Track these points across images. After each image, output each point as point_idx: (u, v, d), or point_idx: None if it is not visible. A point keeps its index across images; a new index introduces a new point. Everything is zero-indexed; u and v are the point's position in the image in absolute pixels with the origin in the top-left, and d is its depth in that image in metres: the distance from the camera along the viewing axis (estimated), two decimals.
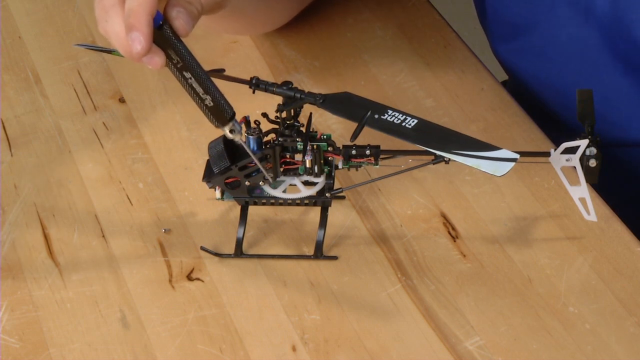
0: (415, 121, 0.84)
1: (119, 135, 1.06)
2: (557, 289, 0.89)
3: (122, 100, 1.09)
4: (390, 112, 0.84)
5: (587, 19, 1.02)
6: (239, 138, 0.84)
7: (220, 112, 0.82)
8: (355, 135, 0.83)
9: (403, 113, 0.84)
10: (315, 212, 0.96)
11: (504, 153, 0.82)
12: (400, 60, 1.11)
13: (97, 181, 1.01)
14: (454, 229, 0.95)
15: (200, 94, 0.81)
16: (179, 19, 0.79)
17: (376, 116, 0.84)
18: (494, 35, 1.12)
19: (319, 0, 1.16)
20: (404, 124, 0.83)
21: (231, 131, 0.83)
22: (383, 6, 1.17)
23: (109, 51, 0.84)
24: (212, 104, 0.82)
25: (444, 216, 0.96)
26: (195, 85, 0.81)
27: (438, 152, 0.83)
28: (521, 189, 0.97)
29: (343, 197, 0.97)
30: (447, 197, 0.97)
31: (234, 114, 0.83)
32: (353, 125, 0.83)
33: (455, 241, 0.94)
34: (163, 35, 0.79)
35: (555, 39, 1.06)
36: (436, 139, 0.83)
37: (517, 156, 0.82)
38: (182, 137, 1.05)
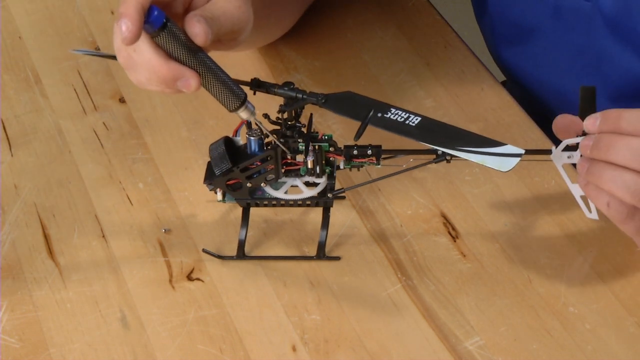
0: (419, 119, 0.84)
1: (119, 135, 1.06)
2: (557, 289, 0.89)
3: (122, 100, 1.09)
4: (393, 110, 0.84)
5: (591, 25, 1.02)
6: (253, 119, 0.85)
7: (234, 97, 0.83)
8: (358, 135, 0.83)
9: (406, 111, 0.84)
10: (315, 213, 0.96)
11: (508, 149, 0.82)
12: (400, 60, 1.11)
13: (97, 181, 1.01)
14: (454, 229, 0.95)
15: (214, 82, 0.82)
16: (199, 25, 0.79)
17: (379, 115, 0.84)
18: (496, 38, 1.12)
19: (319, 1, 1.16)
20: (407, 121, 0.83)
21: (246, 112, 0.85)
22: (383, 6, 1.17)
23: (111, 56, 0.84)
24: (225, 90, 0.83)
25: (444, 216, 0.96)
26: (209, 75, 0.82)
27: (442, 149, 0.83)
28: (521, 189, 0.97)
29: (343, 197, 0.97)
30: (447, 197, 0.97)
31: (245, 96, 0.84)
32: (354, 125, 0.83)
33: (455, 241, 0.94)
34: (170, 33, 0.80)
35: (559, 44, 1.06)
36: (440, 136, 0.83)
37: (522, 151, 0.82)
38: (182, 137, 1.05)
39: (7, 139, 1.06)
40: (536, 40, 1.08)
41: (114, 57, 0.84)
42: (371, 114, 0.84)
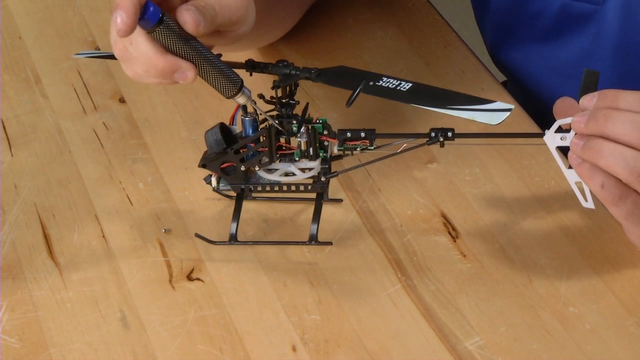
0: (410, 85, 0.84)
1: (119, 135, 1.06)
2: (557, 289, 0.89)
3: (122, 100, 1.10)
4: (385, 78, 0.85)
5: (597, 29, 1.02)
6: (250, 102, 0.85)
7: (231, 84, 0.84)
8: (350, 101, 0.83)
9: (398, 79, 0.84)
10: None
11: (497, 105, 0.82)
12: (400, 60, 1.11)
13: (97, 181, 1.01)
14: (454, 229, 0.95)
15: (212, 72, 0.83)
16: (188, 13, 0.79)
17: (371, 83, 0.84)
18: (498, 40, 1.12)
19: (319, 1, 1.16)
20: (398, 87, 0.84)
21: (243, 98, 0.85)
22: (383, 6, 1.17)
23: (112, 56, 0.84)
24: (222, 79, 0.83)
25: (444, 216, 0.96)
26: (206, 65, 0.82)
27: (433, 109, 0.83)
28: (521, 189, 0.97)
29: (340, 200, 0.97)
30: (447, 197, 0.97)
31: (242, 81, 0.84)
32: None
33: (455, 241, 0.94)
34: (167, 27, 0.79)
35: (564, 48, 1.06)
36: (430, 98, 0.83)
37: (511, 106, 0.82)
38: (182, 137, 1.05)
39: (7, 139, 1.06)
40: (541, 42, 1.07)
41: (114, 57, 0.84)
42: (363, 82, 0.84)
